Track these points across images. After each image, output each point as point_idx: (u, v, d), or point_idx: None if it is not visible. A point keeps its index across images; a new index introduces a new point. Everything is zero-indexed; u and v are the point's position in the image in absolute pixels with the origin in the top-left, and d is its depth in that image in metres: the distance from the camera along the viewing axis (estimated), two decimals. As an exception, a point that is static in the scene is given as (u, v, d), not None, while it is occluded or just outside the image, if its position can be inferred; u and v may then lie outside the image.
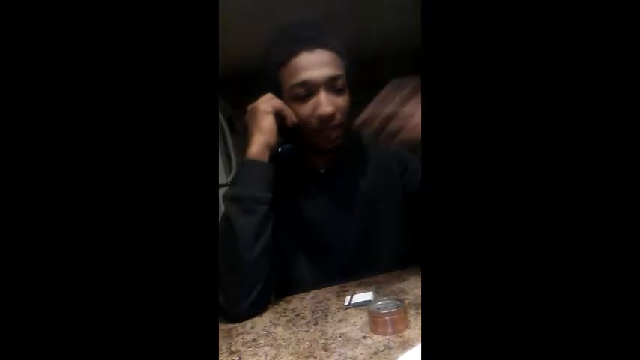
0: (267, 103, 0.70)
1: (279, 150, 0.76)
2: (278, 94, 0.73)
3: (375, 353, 0.45)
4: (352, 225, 0.79)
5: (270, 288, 0.70)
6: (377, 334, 0.50)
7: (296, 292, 0.74)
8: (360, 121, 0.58)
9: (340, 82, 0.72)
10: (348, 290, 0.70)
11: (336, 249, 0.78)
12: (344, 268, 0.77)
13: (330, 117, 0.70)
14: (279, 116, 0.71)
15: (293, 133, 0.75)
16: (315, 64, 0.70)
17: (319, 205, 0.80)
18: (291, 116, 0.72)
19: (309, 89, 0.70)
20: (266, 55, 0.75)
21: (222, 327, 0.64)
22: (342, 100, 0.72)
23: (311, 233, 0.79)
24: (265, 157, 0.70)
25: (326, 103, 0.69)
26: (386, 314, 0.49)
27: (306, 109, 0.71)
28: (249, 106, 0.72)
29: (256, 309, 0.67)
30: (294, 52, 0.70)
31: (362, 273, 0.76)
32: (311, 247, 0.79)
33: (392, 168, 0.84)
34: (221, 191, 0.89)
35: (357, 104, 0.70)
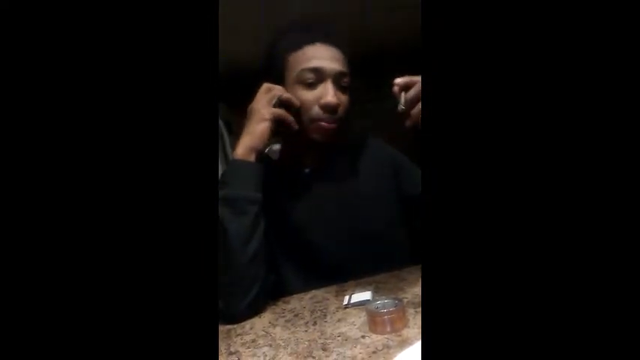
0: (267, 109, 0.70)
1: (266, 150, 0.76)
2: (280, 78, 0.73)
3: (374, 352, 0.46)
4: (339, 225, 0.78)
5: (267, 288, 0.70)
6: (376, 333, 0.50)
7: (288, 294, 0.74)
8: (400, 83, 0.60)
9: (346, 80, 0.75)
10: (346, 290, 0.70)
11: (323, 249, 0.78)
12: (334, 268, 0.76)
13: (334, 107, 0.72)
14: (276, 122, 0.71)
15: (285, 131, 0.74)
16: (328, 56, 0.73)
17: (304, 205, 0.79)
18: (295, 103, 0.72)
19: (319, 77, 0.72)
20: (275, 40, 0.76)
21: (221, 328, 0.64)
22: (344, 97, 0.75)
23: (298, 234, 0.78)
24: (251, 159, 0.70)
25: (333, 93, 0.71)
26: (384, 313, 0.50)
27: (310, 95, 0.72)
28: (250, 106, 0.72)
29: (254, 309, 0.67)
30: (310, 41, 0.73)
31: (354, 273, 0.75)
32: (300, 248, 0.78)
33: (383, 169, 0.84)
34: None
35: (360, 103, 0.71)
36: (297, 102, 0.72)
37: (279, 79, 0.73)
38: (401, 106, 0.59)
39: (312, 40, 0.73)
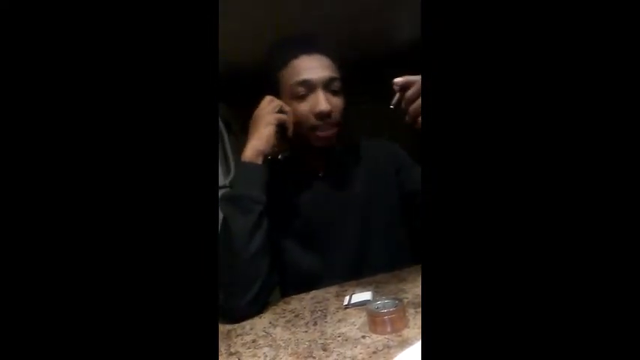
0: (271, 115, 0.73)
1: (279, 157, 0.79)
2: (276, 93, 0.77)
3: (374, 353, 0.46)
4: (350, 225, 0.80)
5: (269, 286, 0.71)
6: (376, 333, 0.50)
7: (299, 292, 0.75)
8: (398, 82, 0.62)
9: (336, 85, 0.77)
10: (346, 290, 0.70)
11: (336, 249, 0.80)
12: (343, 268, 0.78)
13: (327, 114, 0.74)
14: (280, 126, 0.75)
15: (291, 137, 0.77)
16: (314, 66, 0.75)
17: (319, 207, 0.81)
18: (291, 117, 0.75)
19: (309, 88, 0.75)
20: (268, 56, 0.80)
21: (222, 328, 0.64)
22: (338, 101, 0.77)
23: (311, 234, 0.80)
24: (258, 161, 0.72)
25: (324, 101, 0.74)
26: (385, 314, 0.50)
27: (304, 106, 0.75)
28: (255, 113, 0.75)
29: (255, 307, 0.67)
30: (295, 55, 0.75)
31: (360, 273, 0.77)
32: (311, 248, 0.80)
33: (386, 167, 0.86)
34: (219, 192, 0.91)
35: (358, 104, 0.72)
36: (292, 118, 0.75)
37: (275, 95, 0.77)
38: (392, 104, 0.63)
39: (296, 55, 0.75)
